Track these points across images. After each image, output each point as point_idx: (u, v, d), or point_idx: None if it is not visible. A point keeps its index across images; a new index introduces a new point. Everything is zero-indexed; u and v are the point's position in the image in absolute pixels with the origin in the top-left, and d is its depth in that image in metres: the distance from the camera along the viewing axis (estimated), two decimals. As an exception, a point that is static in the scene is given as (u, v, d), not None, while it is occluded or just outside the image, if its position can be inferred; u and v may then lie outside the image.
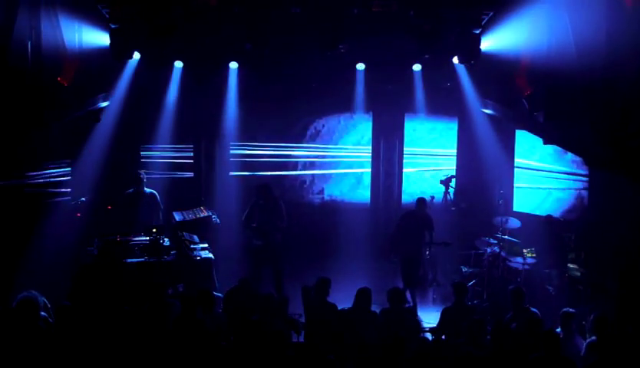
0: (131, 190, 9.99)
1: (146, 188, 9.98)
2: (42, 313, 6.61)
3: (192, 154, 12.14)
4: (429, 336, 7.44)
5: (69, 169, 10.67)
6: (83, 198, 9.98)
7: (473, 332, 6.32)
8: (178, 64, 10.94)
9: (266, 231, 9.51)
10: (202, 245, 9.27)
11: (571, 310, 6.84)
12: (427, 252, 9.66)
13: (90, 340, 6.20)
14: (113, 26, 8.91)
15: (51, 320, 6.66)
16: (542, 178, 11.51)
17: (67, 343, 6.18)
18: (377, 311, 7.32)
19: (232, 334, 6.95)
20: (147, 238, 9.04)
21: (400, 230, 9.56)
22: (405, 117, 12.79)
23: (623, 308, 7.53)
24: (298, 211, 12.28)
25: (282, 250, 9.56)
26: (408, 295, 9.11)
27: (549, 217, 9.72)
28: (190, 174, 12.12)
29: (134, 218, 9.67)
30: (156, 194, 10.02)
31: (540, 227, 9.88)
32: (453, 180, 11.16)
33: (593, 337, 6.39)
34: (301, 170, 12.92)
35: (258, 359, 5.91)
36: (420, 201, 9.64)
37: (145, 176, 10.05)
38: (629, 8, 6.03)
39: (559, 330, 6.69)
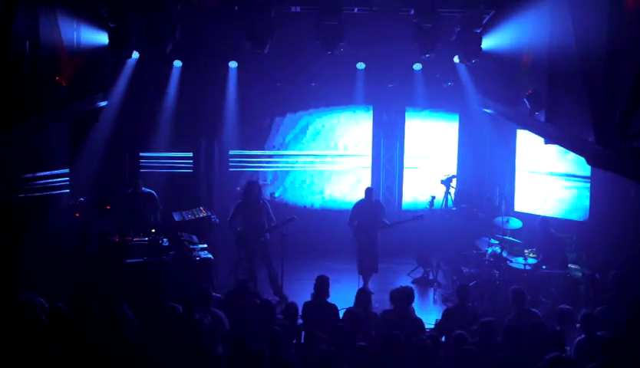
0: (130, 190, 9.97)
1: (144, 189, 9.95)
2: (39, 315, 6.58)
3: (191, 154, 12.08)
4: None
5: (68, 169, 10.63)
6: (81, 199, 9.94)
7: (484, 334, 6.29)
8: (177, 64, 10.91)
9: (253, 234, 9.45)
10: (201, 246, 9.24)
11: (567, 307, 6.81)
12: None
13: (86, 342, 6.17)
14: (111, 25, 8.87)
15: (47, 322, 6.62)
16: (543, 178, 11.47)
17: (64, 345, 6.14)
18: (379, 311, 7.27)
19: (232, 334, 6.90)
20: (146, 239, 9.01)
21: (354, 219, 9.97)
22: (406, 117, 12.77)
23: (623, 309, 7.47)
24: (298, 210, 12.25)
25: (271, 250, 9.50)
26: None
27: (543, 220, 9.69)
28: (189, 172, 12.05)
29: (133, 218, 9.66)
30: (155, 194, 9.99)
31: (537, 230, 9.84)
32: (454, 180, 11.11)
33: (582, 336, 6.38)
34: (300, 169, 12.88)
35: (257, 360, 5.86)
36: (367, 190, 10.21)
37: (143, 176, 10.02)
38: (630, 10, 6.01)
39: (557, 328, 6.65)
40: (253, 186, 9.78)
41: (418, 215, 10.20)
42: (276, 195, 12.54)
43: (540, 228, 9.57)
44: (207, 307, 6.90)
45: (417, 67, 11.30)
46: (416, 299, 9.64)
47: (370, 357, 5.97)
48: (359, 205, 10.10)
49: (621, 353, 5.58)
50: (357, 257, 9.98)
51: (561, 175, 11.17)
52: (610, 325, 6.57)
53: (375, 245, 9.92)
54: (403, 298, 7.07)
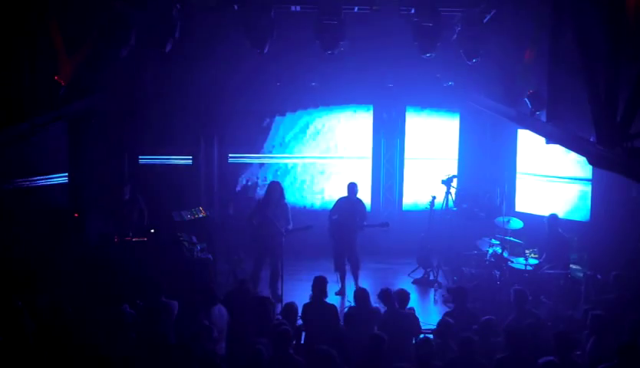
0: (116, 195, 9.84)
1: (130, 194, 9.79)
2: (40, 317, 6.58)
3: (190, 157, 12.04)
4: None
5: (66, 169, 10.58)
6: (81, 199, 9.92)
7: (484, 333, 6.28)
8: (177, 63, 10.85)
9: (269, 235, 9.44)
10: (200, 246, 9.21)
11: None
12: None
13: (85, 342, 6.15)
14: (111, 25, 8.82)
15: (47, 322, 6.61)
16: (545, 177, 11.44)
17: (63, 345, 6.12)
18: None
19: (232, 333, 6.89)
20: (146, 239, 8.98)
21: (333, 213, 10.01)
22: (406, 117, 12.74)
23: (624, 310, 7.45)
24: (298, 210, 12.22)
25: (282, 252, 9.50)
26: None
27: (553, 217, 9.62)
28: (189, 172, 12.02)
29: (120, 223, 9.55)
30: (140, 198, 9.88)
31: (543, 226, 9.80)
32: (455, 180, 11.07)
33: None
34: (300, 169, 12.85)
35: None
36: (350, 186, 10.09)
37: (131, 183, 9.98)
38: (631, 10, 5.98)
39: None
40: (275, 187, 9.72)
41: (384, 223, 10.17)
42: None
43: (548, 225, 9.51)
44: (210, 306, 6.87)
45: (418, 66, 11.25)
46: (417, 299, 9.79)
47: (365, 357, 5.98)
48: (341, 200, 10.13)
49: (635, 356, 5.54)
50: (333, 254, 10.03)
51: (562, 177, 11.13)
52: (612, 326, 6.53)
53: (353, 245, 9.92)
54: (398, 300, 7.11)
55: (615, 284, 7.68)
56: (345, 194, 10.18)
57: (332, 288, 7.63)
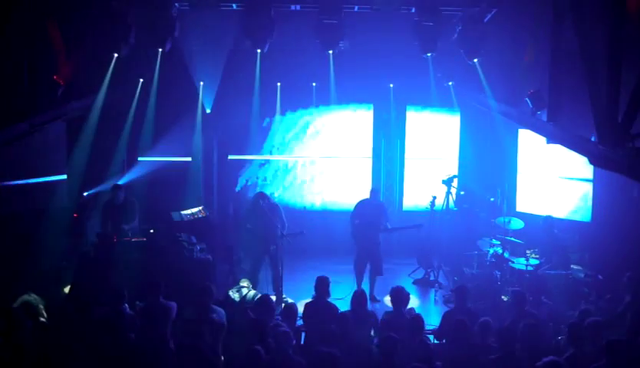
0: (107, 199, 9.69)
1: (123, 198, 9.64)
2: (40, 318, 6.55)
3: (190, 158, 12.01)
4: (431, 337, 7.33)
5: (65, 168, 10.57)
6: (80, 199, 9.89)
7: (482, 334, 6.26)
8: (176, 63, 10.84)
9: (264, 237, 9.39)
10: (200, 246, 9.19)
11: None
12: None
13: (85, 341, 6.13)
14: (110, 24, 8.81)
15: (47, 323, 6.59)
16: (545, 178, 11.41)
17: (63, 344, 6.10)
18: (381, 313, 7.21)
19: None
20: (145, 239, 8.95)
21: (355, 217, 9.88)
22: (407, 116, 12.70)
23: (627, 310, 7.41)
24: (298, 211, 12.19)
25: (279, 255, 9.44)
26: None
27: (547, 219, 9.61)
28: (188, 173, 12.01)
29: (109, 228, 9.46)
30: (135, 202, 9.73)
31: (540, 227, 9.78)
32: (455, 180, 11.03)
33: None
34: (300, 169, 12.83)
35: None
36: (373, 192, 10.07)
37: (125, 187, 9.85)
38: (632, 10, 5.96)
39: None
40: (263, 198, 9.58)
41: (417, 224, 10.15)
42: (276, 195, 12.48)
43: (543, 227, 9.49)
44: (210, 306, 6.84)
45: (418, 65, 11.23)
46: (417, 300, 9.75)
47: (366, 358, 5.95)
48: (362, 203, 10.01)
49: (625, 354, 5.50)
50: (355, 257, 9.93)
51: (563, 177, 11.10)
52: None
53: (377, 248, 9.82)
54: (397, 300, 7.03)
55: (629, 284, 7.61)
56: (364, 197, 10.08)
57: (333, 289, 7.57)
